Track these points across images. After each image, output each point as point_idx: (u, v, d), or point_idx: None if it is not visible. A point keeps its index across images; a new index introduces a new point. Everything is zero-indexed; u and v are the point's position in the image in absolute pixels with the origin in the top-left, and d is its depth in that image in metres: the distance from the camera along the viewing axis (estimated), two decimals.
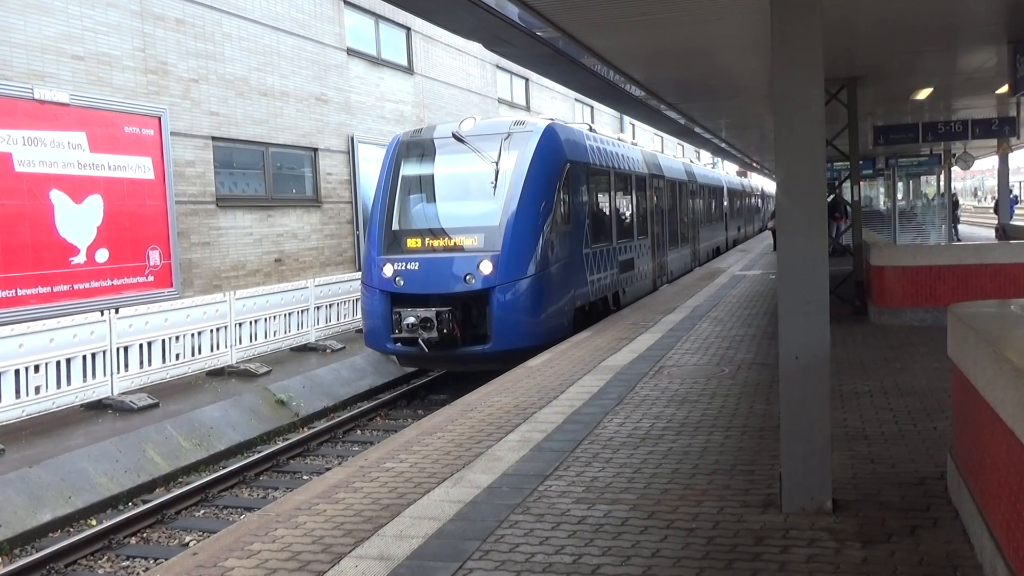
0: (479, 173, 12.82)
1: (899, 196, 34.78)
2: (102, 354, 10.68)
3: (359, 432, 11.42)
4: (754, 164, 41.35)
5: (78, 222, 12.10)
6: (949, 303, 5.19)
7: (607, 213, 16.00)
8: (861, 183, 14.76)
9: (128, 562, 7.47)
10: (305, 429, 11.51)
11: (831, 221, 19.36)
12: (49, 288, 11.60)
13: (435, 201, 13.39)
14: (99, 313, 10.97)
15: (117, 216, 12.69)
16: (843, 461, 5.81)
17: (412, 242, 12.63)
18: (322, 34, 18.50)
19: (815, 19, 4.90)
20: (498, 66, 27.43)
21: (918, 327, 11.53)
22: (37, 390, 9.87)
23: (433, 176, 13.56)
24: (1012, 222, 28.15)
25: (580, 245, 13.86)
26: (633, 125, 40.37)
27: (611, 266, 15.58)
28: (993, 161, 31.20)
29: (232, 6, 15.85)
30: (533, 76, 29.42)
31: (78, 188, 12.10)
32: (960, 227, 36.32)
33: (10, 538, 7.61)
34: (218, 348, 12.56)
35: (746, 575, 4.18)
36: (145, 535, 8.03)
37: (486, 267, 11.93)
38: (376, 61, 20.72)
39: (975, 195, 68.97)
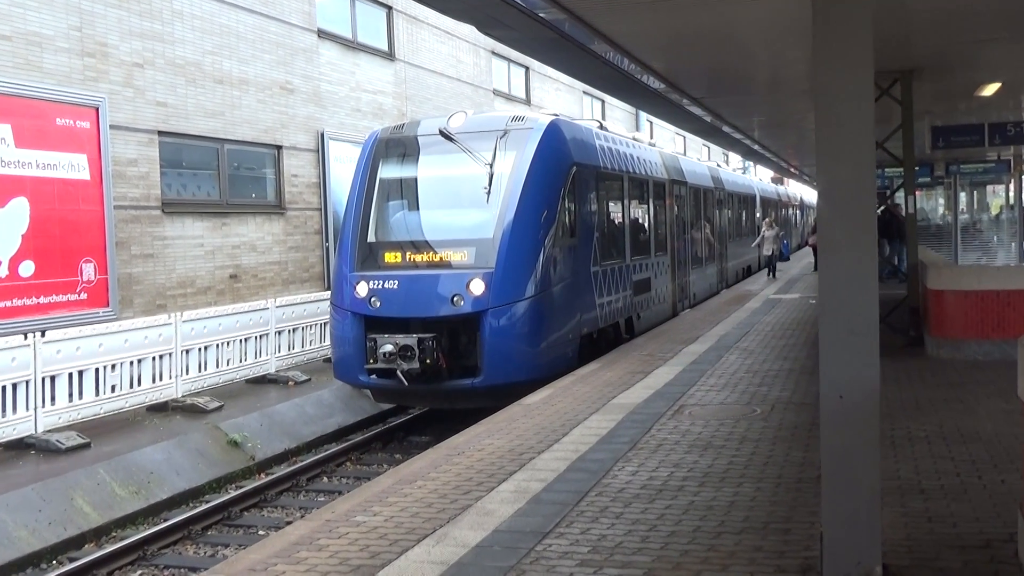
0: (470, 177, 12.84)
1: (961, 208, 34.93)
2: (24, 384, 10.62)
3: (326, 479, 11.37)
4: (792, 169, 41.56)
5: None
6: (1020, 334, 5.19)
7: (620, 225, 16.03)
8: (917, 193, 14.83)
9: None
10: (262, 475, 11.46)
11: (883, 239, 19.33)
12: None
13: (418, 209, 13.41)
14: (22, 336, 10.93)
15: (45, 223, 12.66)
16: (895, 519, 5.80)
17: (391, 256, 12.63)
18: (288, 13, 18.61)
19: None
20: (494, 52, 27.60)
21: (983, 361, 11.53)
22: None
23: (416, 179, 13.59)
24: None
25: (588, 262, 13.87)
26: (651, 123, 40.57)
27: (624, 287, 15.60)
28: None
29: None
30: (534, 64, 29.59)
31: (0, 189, 12.08)
32: None
33: None
34: (161, 379, 12.51)
35: None
36: None
37: (477, 287, 11.92)
38: (351, 45, 20.83)
39: None
